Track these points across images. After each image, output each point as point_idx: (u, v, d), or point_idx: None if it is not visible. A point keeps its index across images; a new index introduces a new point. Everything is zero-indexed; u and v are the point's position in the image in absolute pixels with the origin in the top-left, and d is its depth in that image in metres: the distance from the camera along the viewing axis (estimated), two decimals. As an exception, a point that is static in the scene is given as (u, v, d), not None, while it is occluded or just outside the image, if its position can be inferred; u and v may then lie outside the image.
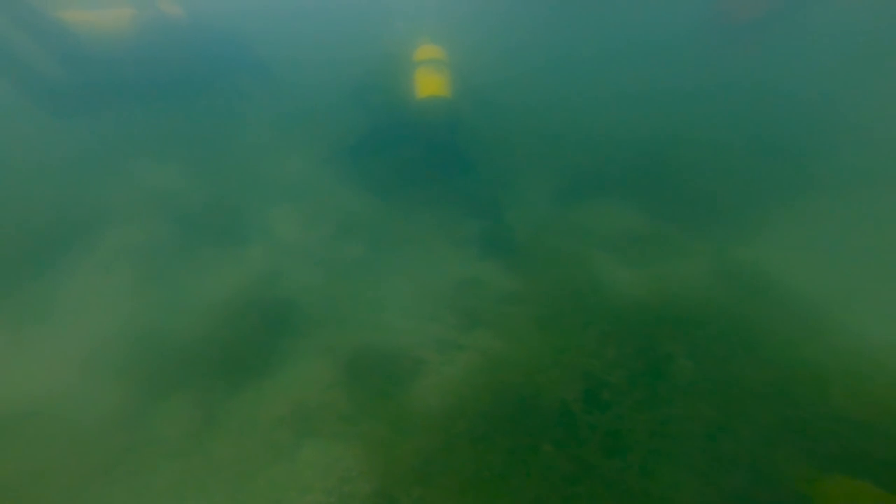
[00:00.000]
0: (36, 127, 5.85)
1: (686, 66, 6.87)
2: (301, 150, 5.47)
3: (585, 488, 2.38)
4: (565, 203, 4.83)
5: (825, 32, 7.13)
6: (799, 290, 3.67)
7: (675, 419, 2.58)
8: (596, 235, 4.50)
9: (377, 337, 3.55)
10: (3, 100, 5.86)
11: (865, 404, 2.69)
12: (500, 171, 5.16)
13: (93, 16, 4.80)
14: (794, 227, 4.48)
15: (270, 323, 3.61)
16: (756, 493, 2.30)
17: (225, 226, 4.62)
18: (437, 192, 4.87)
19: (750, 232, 4.45)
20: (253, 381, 3.20)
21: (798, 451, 2.47)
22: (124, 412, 3.04)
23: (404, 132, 4.59)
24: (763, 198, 4.85)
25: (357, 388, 3.19)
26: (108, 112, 5.43)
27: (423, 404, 3.05)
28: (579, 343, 3.20)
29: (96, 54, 4.79)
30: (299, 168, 5.31)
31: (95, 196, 5.00)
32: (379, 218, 4.70)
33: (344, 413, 3.03)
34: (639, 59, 7.12)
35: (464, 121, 4.60)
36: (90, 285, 4.04)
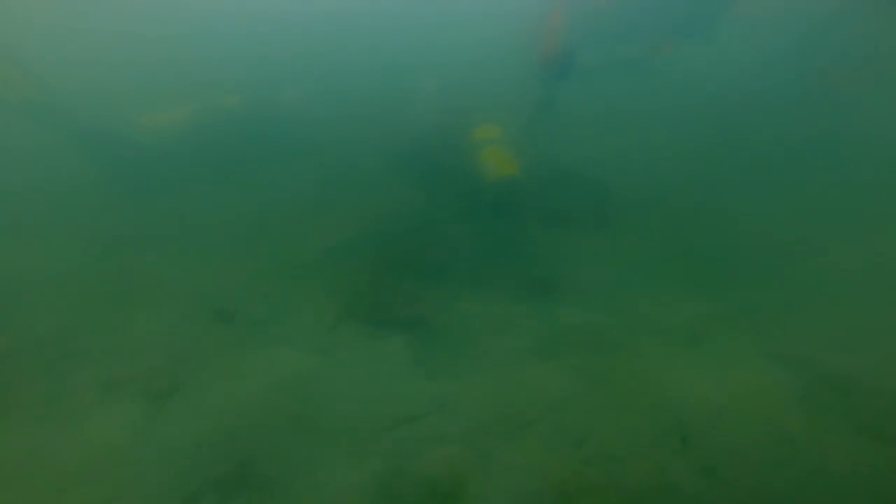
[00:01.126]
0: (77, 224, 5.81)
1: (763, 143, 6.44)
2: (342, 231, 5.12)
3: None
4: (622, 289, 4.34)
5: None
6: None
7: None
8: (659, 326, 3.98)
9: (412, 445, 3.06)
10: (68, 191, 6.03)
11: None
12: (554, 253, 4.73)
13: (163, 117, 5.62)
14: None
15: (293, 429, 3.15)
16: None
17: (253, 320, 4.22)
18: (487, 276, 4.43)
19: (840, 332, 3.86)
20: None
21: None
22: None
23: (461, 212, 4.30)
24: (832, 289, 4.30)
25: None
26: (158, 198, 5.75)
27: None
28: (668, 481, 2.63)
29: (159, 147, 5.44)
30: (340, 249, 4.93)
31: (120, 288, 4.71)
32: (419, 306, 4.25)
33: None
34: (705, 128, 6.76)
35: (524, 200, 4.30)
36: (97, 390, 3.51)
